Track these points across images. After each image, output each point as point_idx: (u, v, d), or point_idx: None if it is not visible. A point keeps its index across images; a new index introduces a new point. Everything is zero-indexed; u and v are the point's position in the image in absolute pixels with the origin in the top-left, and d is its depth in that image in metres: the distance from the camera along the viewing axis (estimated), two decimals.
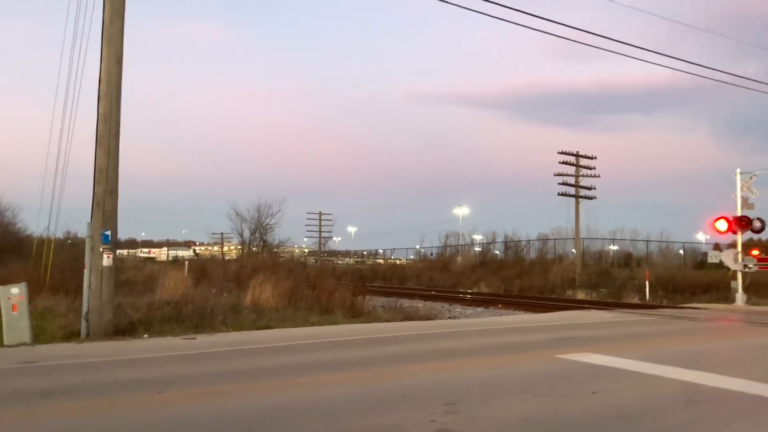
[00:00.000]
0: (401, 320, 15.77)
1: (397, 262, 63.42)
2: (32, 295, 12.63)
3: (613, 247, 50.47)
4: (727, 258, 23.25)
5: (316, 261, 55.90)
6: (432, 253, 56.08)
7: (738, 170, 23.33)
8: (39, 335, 11.24)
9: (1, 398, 6.39)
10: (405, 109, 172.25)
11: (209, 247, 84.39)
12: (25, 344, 10.23)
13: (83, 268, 11.67)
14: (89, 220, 11.57)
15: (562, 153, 39.20)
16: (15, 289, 10.72)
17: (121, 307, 13.19)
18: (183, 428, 5.39)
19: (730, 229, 22.80)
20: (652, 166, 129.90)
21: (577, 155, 39.24)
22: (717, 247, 36.46)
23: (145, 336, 11.42)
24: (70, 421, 5.60)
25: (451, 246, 55.76)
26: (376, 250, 78.44)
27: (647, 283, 27.35)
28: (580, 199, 39.13)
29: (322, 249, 71.27)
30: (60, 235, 24.87)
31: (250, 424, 5.45)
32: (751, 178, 23.14)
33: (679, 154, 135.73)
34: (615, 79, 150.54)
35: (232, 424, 5.45)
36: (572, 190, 39.08)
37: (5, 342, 10.36)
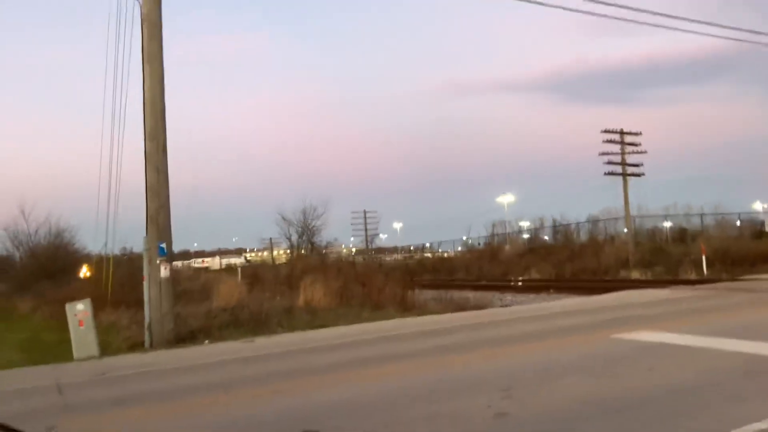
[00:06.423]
0: (452, 311, 15.78)
1: (445, 254, 63.23)
2: (96, 311, 13.18)
3: (667, 224, 49.20)
4: None
5: (364, 259, 56.26)
6: (479, 243, 55.76)
7: None
8: (105, 348, 11.74)
9: (76, 408, 6.76)
10: (445, 100, 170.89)
11: (259, 253, 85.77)
12: (93, 357, 10.71)
13: (142, 281, 12.12)
14: (145, 235, 12.02)
15: (606, 131, 38.54)
16: (80, 306, 11.23)
17: (180, 316, 13.64)
18: (247, 426, 5.62)
19: None
20: (704, 138, 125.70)
21: (621, 132, 38.47)
22: None
23: (206, 342, 11.79)
24: (140, 425, 5.89)
25: (498, 234, 55.27)
26: (423, 244, 78.29)
27: (704, 257, 26.65)
28: (629, 177, 38.34)
29: (369, 246, 71.62)
30: (117, 251, 25.80)
31: (310, 419, 5.63)
32: None
33: (731, 123, 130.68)
34: (661, 52, 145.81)
35: (293, 419, 5.64)
36: (619, 169, 38.34)
37: (75, 356, 10.87)
